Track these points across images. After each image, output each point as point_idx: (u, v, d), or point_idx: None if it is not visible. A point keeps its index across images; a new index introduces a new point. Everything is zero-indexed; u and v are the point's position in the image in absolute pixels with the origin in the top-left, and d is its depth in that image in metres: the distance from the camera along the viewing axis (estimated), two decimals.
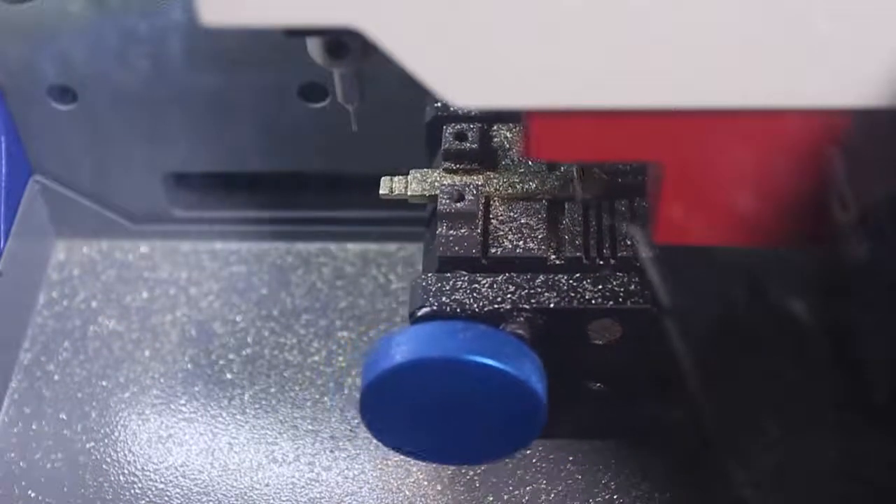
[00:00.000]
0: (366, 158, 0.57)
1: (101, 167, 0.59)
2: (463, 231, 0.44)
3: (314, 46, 0.38)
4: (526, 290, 0.43)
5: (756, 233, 0.38)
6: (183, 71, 0.54)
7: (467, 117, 0.48)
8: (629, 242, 0.44)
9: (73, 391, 0.55)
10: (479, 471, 0.51)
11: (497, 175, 0.46)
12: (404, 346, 0.40)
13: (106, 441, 0.53)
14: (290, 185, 0.60)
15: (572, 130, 0.35)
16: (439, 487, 0.51)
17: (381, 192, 0.47)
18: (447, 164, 0.47)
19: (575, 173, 0.46)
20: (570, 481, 0.51)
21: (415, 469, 0.52)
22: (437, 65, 0.33)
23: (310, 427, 0.54)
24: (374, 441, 0.52)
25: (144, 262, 0.60)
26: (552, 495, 0.51)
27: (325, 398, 0.55)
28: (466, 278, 0.44)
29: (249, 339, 0.57)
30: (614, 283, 0.43)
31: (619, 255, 0.44)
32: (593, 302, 0.43)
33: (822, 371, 0.49)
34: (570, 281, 0.43)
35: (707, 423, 0.49)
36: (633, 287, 0.43)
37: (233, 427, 0.54)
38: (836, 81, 0.33)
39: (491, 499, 0.51)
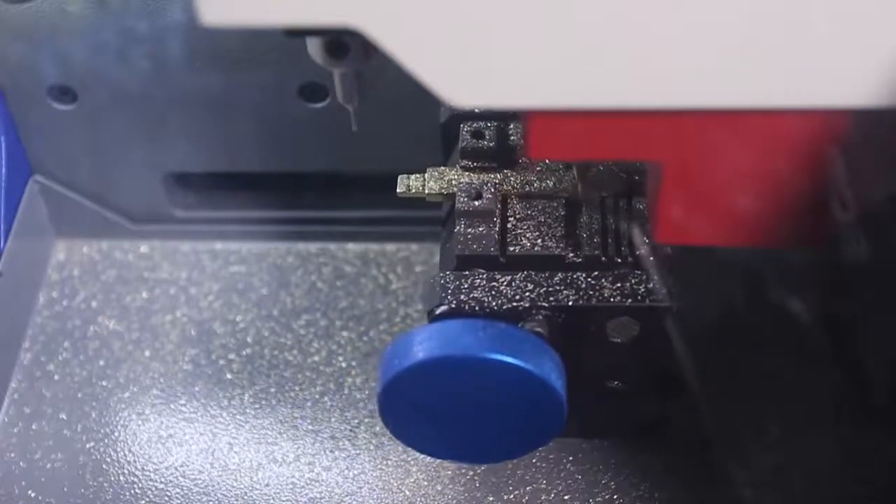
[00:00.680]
0: (366, 158, 0.57)
1: (101, 167, 0.59)
2: (481, 229, 0.44)
3: (314, 46, 0.38)
4: (544, 288, 0.43)
5: (756, 233, 0.38)
6: (183, 71, 0.54)
7: (484, 115, 0.48)
8: (647, 240, 0.44)
9: (73, 391, 0.55)
10: (478, 471, 0.51)
11: (514, 173, 0.46)
12: (424, 344, 0.40)
13: (106, 441, 0.53)
14: (290, 185, 0.60)
15: (572, 130, 0.35)
16: (439, 487, 0.51)
17: (398, 190, 0.47)
18: (464, 163, 0.47)
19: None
20: (570, 481, 0.51)
21: (415, 469, 0.52)
22: (436, 65, 0.33)
23: (310, 427, 0.54)
24: (374, 441, 0.53)
25: (144, 262, 0.60)
26: (552, 495, 0.51)
27: (325, 398, 0.55)
28: (485, 276, 0.44)
29: (249, 339, 0.57)
30: (633, 280, 0.43)
31: (637, 252, 0.44)
32: (612, 300, 0.43)
33: (824, 371, 0.49)
34: (589, 279, 0.44)
35: (708, 422, 0.49)
36: (651, 285, 0.43)
37: (233, 427, 0.54)
38: (836, 81, 0.33)
39: (491, 499, 0.51)
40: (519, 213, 0.45)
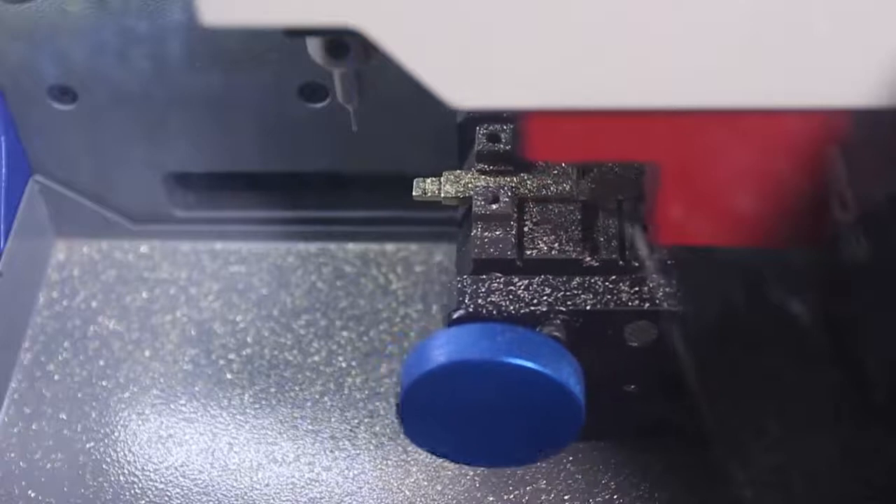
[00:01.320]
0: (366, 158, 0.57)
1: (101, 167, 0.59)
2: (498, 233, 0.44)
3: (314, 46, 0.38)
4: (562, 293, 0.43)
5: (756, 233, 0.38)
6: (183, 71, 0.54)
7: (500, 118, 0.47)
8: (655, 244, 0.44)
9: (73, 391, 0.55)
10: (479, 471, 0.51)
11: (531, 176, 0.46)
12: (443, 349, 0.41)
13: (106, 441, 0.53)
14: (290, 185, 0.60)
15: (571, 131, 0.35)
16: (439, 487, 0.51)
17: (414, 193, 0.47)
18: (481, 166, 0.47)
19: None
20: (570, 481, 0.51)
21: (414, 469, 0.52)
22: (436, 65, 0.33)
23: (310, 427, 0.54)
24: (374, 441, 0.53)
25: (144, 262, 0.60)
26: (552, 495, 0.51)
27: (325, 398, 0.55)
28: (502, 280, 0.44)
29: (249, 339, 0.57)
30: (651, 284, 0.43)
31: (654, 256, 0.44)
32: (630, 304, 0.43)
33: (824, 371, 0.49)
34: (607, 283, 0.43)
35: (708, 422, 0.49)
36: (669, 289, 0.43)
37: (233, 427, 0.54)
38: (836, 81, 0.33)
39: (491, 499, 0.51)
40: (535, 217, 0.45)
